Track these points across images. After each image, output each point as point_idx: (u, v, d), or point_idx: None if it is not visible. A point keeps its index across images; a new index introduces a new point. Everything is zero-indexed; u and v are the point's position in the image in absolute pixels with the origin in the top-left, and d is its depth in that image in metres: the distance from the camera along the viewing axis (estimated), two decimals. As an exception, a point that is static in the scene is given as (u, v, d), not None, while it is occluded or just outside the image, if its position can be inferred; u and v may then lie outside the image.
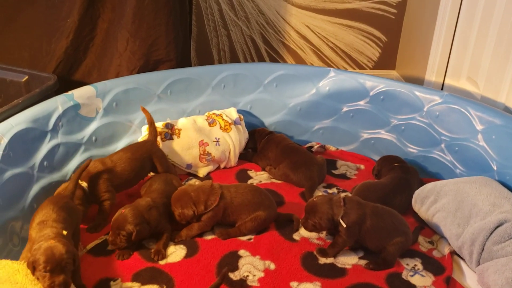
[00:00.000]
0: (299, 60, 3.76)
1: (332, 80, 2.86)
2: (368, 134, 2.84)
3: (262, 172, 2.65)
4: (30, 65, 2.91)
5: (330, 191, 2.49)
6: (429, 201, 2.22)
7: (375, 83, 2.78)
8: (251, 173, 2.65)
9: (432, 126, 2.60)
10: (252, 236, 2.11)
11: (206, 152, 2.59)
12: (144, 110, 2.45)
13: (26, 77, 2.70)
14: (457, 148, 2.49)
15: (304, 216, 2.03)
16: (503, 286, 1.75)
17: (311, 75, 2.88)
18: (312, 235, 2.13)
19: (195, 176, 2.60)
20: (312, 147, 2.85)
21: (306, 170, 2.48)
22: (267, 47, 3.71)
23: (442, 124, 2.56)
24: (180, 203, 2.07)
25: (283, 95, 2.90)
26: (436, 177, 2.58)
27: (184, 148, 2.56)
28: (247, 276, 1.89)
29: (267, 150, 2.67)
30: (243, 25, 3.61)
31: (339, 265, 1.98)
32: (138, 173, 2.29)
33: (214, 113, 2.73)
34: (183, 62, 3.12)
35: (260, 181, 2.54)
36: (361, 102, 2.82)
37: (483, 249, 1.94)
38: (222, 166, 2.69)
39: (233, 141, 2.67)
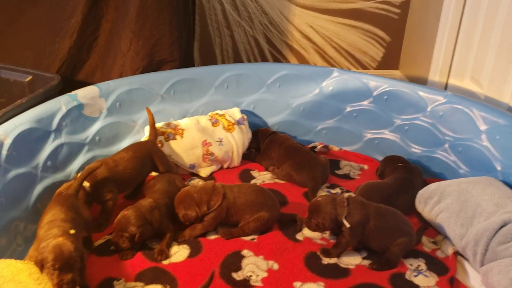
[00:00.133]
0: (302, 60, 3.76)
1: (335, 80, 2.85)
2: (371, 134, 2.83)
3: (265, 172, 2.65)
4: (33, 65, 2.92)
5: (333, 191, 2.49)
6: (432, 201, 2.22)
7: (379, 83, 2.77)
8: (254, 173, 2.65)
9: (435, 126, 2.59)
10: (256, 236, 2.11)
11: (209, 152, 2.59)
12: (148, 111, 2.45)
13: (30, 77, 2.71)
14: (460, 148, 2.48)
15: (308, 215, 2.03)
16: (507, 287, 1.74)
17: (315, 75, 2.88)
18: (316, 235, 2.13)
19: (198, 176, 2.60)
20: (315, 147, 2.84)
21: (309, 170, 2.47)
22: (270, 47, 3.70)
23: (445, 124, 2.56)
24: (183, 205, 2.07)
25: (286, 95, 2.89)
26: (439, 177, 2.58)
27: (187, 148, 2.56)
28: (251, 276, 1.89)
29: (270, 150, 2.67)
30: (246, 25, 3.61)
31: (343, 265, 1.98)
32: (140, 172, 2.30)
33: (217, 113, 2.73)
34: (186, 62, 3.13)
35: (263, 181, 2.54)
36: (365, 102, 2.81)
37: (487, 249, 1.93)
38: (225, 166, 2.69)
39: (236, 141, 2.67)
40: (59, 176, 2.29)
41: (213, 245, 2.04)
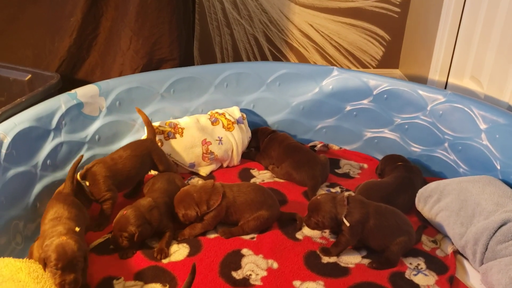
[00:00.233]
0: (302, 59, 3.76)
1: (335, 79, 2.85)
2: (371, 133, 2.83)
3: (265, 171, 2.65)
4: (33, 63, 2.91)
5: (333, 190, 2.49)
6: (432, 200, 2.22)
7: (379, 82, 2.77)
8: (254, 172, 2.65)
9: (435, 125, 2.59)
10: (255, 235, 2.11)
11: (209, 151, 2.59)
12: (139, 111, 2.45)
13: (29, 75, 2.71)
14: (460, 147, 2.48)
15: (307, 214, 2.03)
16: (507, 286, 1.74)
17: (314, 74, 2.88)
18: (315, 234, 2.13)
19: (198, 175, 2.60)
20: (315, 146, 2.84)
21: (309, 169, 2.47)
22: (270, 46, 3.70)
23: (445, 123, 2.56)
24: (183, 204, 2.07)
25: (286, 94, 2.89)
26: (439, 176, 2.58)
27: (187, 147, 2.56)
28: (250, 275, 1.89)
29: (270, 149, 2.67)
30: (246, 24, 3.61)
31: (342, 264, 1.98)
32: (139, 170, 2.29)
33: (217, 112, 2.73)
34: (186, 61, 3.12)
35: (263, 180, 2.54)
36: (365, 101, 2.81)
37: (486, 248, 1.93)
38: (225, 165, 2.69)
39: (236, 140, 2.66)
40: (58, 175, 2.28)
41: (212, 244, 2.04)
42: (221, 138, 2.64)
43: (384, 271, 1.94)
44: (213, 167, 2.64)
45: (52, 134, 2.28)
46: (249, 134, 2.77)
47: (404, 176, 2.38)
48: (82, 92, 2.44)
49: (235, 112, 2.76)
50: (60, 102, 2.34)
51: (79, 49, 2.93)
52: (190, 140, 2.57)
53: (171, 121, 2.62)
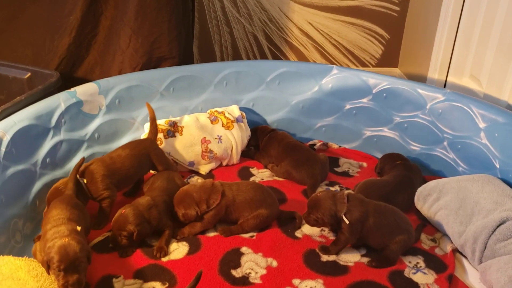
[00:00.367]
0: (302, 58, 3.76)
1: (334, 78, 2.85)
2: (370, 132, 2.83)
3: (264, 170, 2.65)
4: (33, 62, 2.91)
5: (332, 188, 2.49)
6: (431, 199, 2.22)
7: (378, 80, 2.77)
8: (253, 170, 2.65)
9: (434, 123, 2.59)
10: (255, 234, 2.11)
11: (208, 150, 2.59)
12: (149, 106, 2.44)
13: (29, 74, 2.71)
14: (459, 146, 2.49)
15: (307, 210, 2.03)
16: (505, 284, 1.75)
17: (314, 73, 2.88)
18: (315, 233, 2.13)
19: (197, 173, 2.60)
20: (314, 144, 2.84)
21: (308, 168, 2.48)
22: (270, 44, 3.70)
23: (444, 122, 2.56)
24: (183, 204, 2.07)
25: (286, 93, 2.89)
26: (438, 174, 2.58)
27: (186, 145, 2.56)
28: (250, 273, 1.89)
29: (269, 148, 2.67)
30: (245, 22, 3.61)
31: (342, 263, 1.98)
32: (137, 170, 2.28)
33: (216, 111, 2.73)
34: (186, 59, 3.12)
35: (262, 179, 2.54)
36: (364, 100, 2.81)
37: (485, 247, 1.94)
38: (224, 163, 2.69)
39: (235, 138, 2.67)
40: (58, 173, 2.29)
41: (212, 242, 2.04)
42: (221, 136, 2.64)
43: (383, 270, 1.95)
44: (212, 165, 2.64)
45: (51, 132, 2.28)
46: (249, 132, 2.78)
47: (403, 174, 2.38)
48: (82, 90, 2.44)
49: (234, 110, 2.76)
50: (60, 100, 2.34)
51: (78, 48, 2.93)
52: (190, 138, 2.57)
53: (171, 120, 2.61)
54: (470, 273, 1.99)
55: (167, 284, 1.83)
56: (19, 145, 2.10)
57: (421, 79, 3.31)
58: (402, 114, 2.72)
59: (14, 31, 2.92)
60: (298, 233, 2.13)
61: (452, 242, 2.12)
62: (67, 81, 2.72)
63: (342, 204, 1.97)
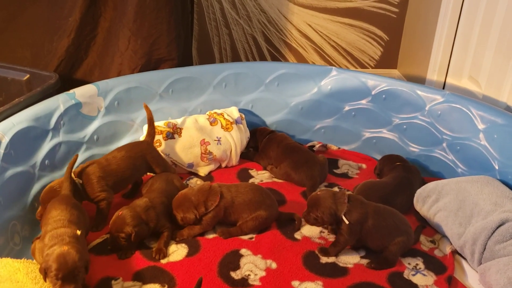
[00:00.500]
0: (301, 59, 3.76)
1: (334, 79, 2.85)
2: (370, 133, 2.83)
3: (264, 171, 2.65)
4: (32, 63, 2.91)
5: (331, 190, 2.49)
6: (430, 200, 2.22)
7: (377, 82, 2.77)
8: (253, 172, 2.65)
9: (433, 125, 2.59)
10: (254, 235, 2.11)
11: (207, 151, 2.59)
12: (146, 107, 2.44)
13: (28, 75, 2.70)
14: (458, 147, 2.49)
15: (307, 209, 2.02)
16: (505, 286, 1.75)
17: (313, 74, 2.88)
18: (314, 235, 2.13)
19: (197, 175, 2.60)
20: (313, 146, 2.84)
21: (307, 169, 2.47)
22: (269, 46, 3.70)
23: (443, 123, 2.56)
24: (181, 208, 2.07)
25: (285, 94, 2.89)
26: (437, 176, 2.58)
27: (185, 147, 2.56)
28: (249, 275, 1.89)
29: (268, 149, 2.67)
30: (244, 23, 3.61)
31: (341, 264, 1.98)
32: (133, 172, 2.27)
33: (215, 112, 2.73)
34: (185, 61, 3.12)
35: (262, 180, 2.54)
36: (363, 101, 2.81)
37: (484, 248, 1.93)
38: (223, 165, 2.69)
39: (234, 140, 2.66)
40: (57, 175, 2.28)
41: (211, 244, 2.04)
42: (220, 138, 2.64)
43: (382, 271, 1.94)
44: (211, 167, 2.64)
45: (50, 134, 2.28)
46: (248, 134, 2.77)
47: (402, 176, 2.38)
48: (81, 92, 2.44)
49: (233, 112, 2.76)
50: (59, 102, 2.34)
51: (77, 49, 2.92)
52: (189, 140, 2.57)
53: (170, 121, 2.61)
54: (470, 275, 1.99)
55: (166, 286, 1.82)
56: (18, 147, 2.10)
57: (420, 80, 3.32)
58: (401, 115, 2.72)
59: (13, 32, 2.92)
60: (297, 235, 2.13)
61: (451, 244, 2.11)
62: (66, 83, 2.72)
63: (343, 204, 1.96)
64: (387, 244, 1.99)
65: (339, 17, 3.64)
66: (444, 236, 2.18)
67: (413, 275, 1.94)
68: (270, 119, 2.92)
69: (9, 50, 2.95)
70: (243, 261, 1.96)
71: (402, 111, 2.72)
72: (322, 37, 3.71)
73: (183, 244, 2.04)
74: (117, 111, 2.58)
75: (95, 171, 2.13)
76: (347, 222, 1.95)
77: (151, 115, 2.42)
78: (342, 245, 2.00)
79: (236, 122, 2.72)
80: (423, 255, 2.06)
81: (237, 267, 1.93)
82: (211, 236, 2.10)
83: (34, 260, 1.81)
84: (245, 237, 2.09)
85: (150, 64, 2.91)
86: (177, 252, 2.00)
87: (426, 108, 2.62)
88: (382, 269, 1.96)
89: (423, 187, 2.30)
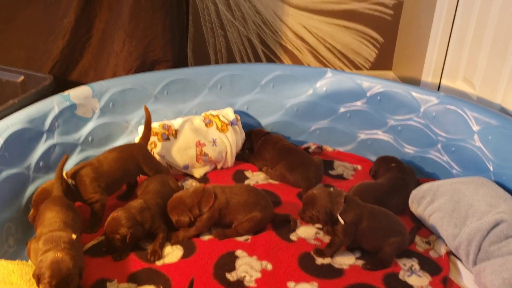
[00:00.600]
0: (296, 61, 3.76)
1: (329, 81, 2.86)
2: (365, 135, 2.84)
3: (259, 173, 2.65)
4: (26, 65, 2.90)
5: (327, 191, 2.49)
6: (425, 202, 2.23)
7: (372, 83, 2.78)
8: (248, 173, 2.64)
9: (428, 126, 2.60)
10: (249, 237, 2.10)
11: (203, 153, 2.59)
12: (146, 110, 2.41)
13: (22, 77, 2.70)
14: (453, 149, 2.49)
15: (302, 207, 2.02)
16: (500, 286, 1.75)
17: (308, 76, 2.88)
18: (309, 236, 2.13)
19: (192, 176, 2.60)
20: (309, 147, 2.85)
21: (302, 171, 2.48)
22: (264, 48, 3.71)
23: (438, 125, 2.57)
24: (176, 211, 2.07)
25: (280, 96, 2.89)
26: (432, 177, 2.59)
27: (181, 148, 2.55)
28: (244, 276, 1.89)
29: (263, 151, 2.67)
30: (240, 25, 3.61)
31: (336, 266, 1.98)
32: (124, 173, 2.25)
33: (210, 114, 2.73)
34: (180, 62, 3.12)
35: (257, 182, 2.54)
36: (358, 103, 2.82)
37: (479, 249, 1.94)
38: (219, 166, 2.69)
39: (230, 141, 2.66)
40: (51, 176, 2.26)
41: (206, 245, 2.03)
42: (215, 139, 2.64)
43: (378, 272, 1.95)
44: (207, 168, 2.64)
45: (45, 136, 2.27)
46: (243, 135, 2.77)
47: (397, 177, 2.38)
48: (75, 94, 2.43)
49: (229, 113, 2.76)
50: (53, 104, 2.33)
51: (72, 51, 2.92)
52: (184, 141, 2.57)
53: (165, 123, 2.61)
54: (465, 276, 2.00)
55: (161, 287, 1.82)
56: (12, 149, 2.09)
57: (415, 82, 3.33)
58: (396, 117, 2.73)
59: (7, 34, 2.91)
60: (293, 236, 2.13)
61: (446, 245, 2.12)
62: (61, 85, 2.71)
63: (339, 204, 1.96)
64: (382, 245, 1.99)
65: (334, 19, 3.65)
66: (439, 237, 2.18)
67: (409, 276, 1.95)
68: (266, 120, 2.92)
69: (3, 51, 2.94)
70: (238, 262, 1.95)
71: (397, 113, 2.73)
72: (317, 39, 3.72)
73: (179, 246, 2.03)
74: (112, 112, 2.57)
75: (88, 173, 2.12)
76: (342, 222, 1.95)
77: (150, 118, 2.41)
78: (337, 246, 2.00)
79: (232, 123, 2.72)
80: (418, 256, 2.06)
81: (232, 268, 1.92)
82: (206, 237, 2.09)
83: (29, 262, 1.80)
84: (241, 239, 2.09)
85: (145, 65, 2.90)
86: (173, 253, 1.99)
87: (421, 110, 2.63)
88: (378, 270, 1.96)
89: (418, 188, 2.31)
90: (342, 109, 2.85)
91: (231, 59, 3.71)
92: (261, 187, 2.40)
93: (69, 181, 2.08)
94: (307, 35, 3.69)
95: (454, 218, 2.08)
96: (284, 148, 2.61)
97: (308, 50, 3.75)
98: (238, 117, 2.78)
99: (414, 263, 2.02)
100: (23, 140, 2.16)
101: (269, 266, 1.95)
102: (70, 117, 2.40)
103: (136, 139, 2.55)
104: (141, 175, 2.38)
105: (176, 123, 2.63)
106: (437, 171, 2.57)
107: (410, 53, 3.54)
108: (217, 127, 2.67)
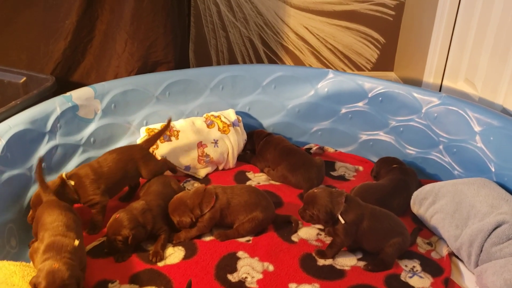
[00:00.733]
0: (298, 62, 3.76)
1: (330, 82, 2.86)
2: (366, 136, 2.84)
3: (261, 174, 2.65)
4: (28, 66, 2.91)
5: (328, 192, 2.49)
6: (427, 203, 2.22)
7: (374, 84, 2.78)
8: (250, 174, 2.65)
9: (430, 127, 2.60)
10: (251, 238, 2.10)
11: (204, 154, 2.59)
12: (169, 123, 2.42)
13: (24, 78, 2.70)
14: (455, 150, 2.49)
15: (303, 206, 2.02)
16: (501, 288, 1.75)
17: (310, 77, 2.88)
18: (311, 237, 2.13)
19: (194, 177, 2.60)
20: (310, 148, 2.85)
21: (304, 172, 2.48)
22: (266, 49, 3.71)
23: (440, 126, 2.57)
24: (177, 212, 2.07)
25: (282, 97, 2.90)
26: (434, 178, 2.59)
27: (182, 149, 2.56)
28: (246, 277, 1.89)
29: (265, 152, 2.67)
30: (241, 26, 3.61)
31: (338, 267, 1.98)
32: (124, 175, 2.23)
33: (212, 115, 2.73)
34: (181, 63, 3.12)
35: (259, 183, 2.54)
36: (360, 104, 2.82)
37: (481, 250, 1.94)
38: (220, 167, 2.69)
39: (231, 142, 2.66)
40: (53, 177, 2.26)
41: (208, 246, 2.04)
42: (217, 140, 2.64)
43: (379, 274, 1.94)
44: (208, 169, 2.64)
45: (47, 137, 2.28)
46: (245, 136, 2.77)
47: (399, 178, 2.38)
48: (77, 95, 2.44)
49: (230, 114, 2.76)
50: (55, 105, 2.34)
51: (74, 52, 2.92)
52: (186, 142, 2.57)
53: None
54: (466, 277, 2.00)
55: (163, 289, 1.82)
56: (14, 150, 2.10)
57: (416, 83, 3.32)
58: (397, 118, 2.73)
59: (9, 35, 2.91)
60: (294, 237, 2.13)
61: (448, 246, 2.12)
62: (63, 86, 2.72)
63: (340, 204, 1.96)
64: (383, 246, 1.99)
65: (336, 19, 3.65)
66: (441, 238, 2.18)
67: (410, 277, 1.95)
68: (267, 121, 2.92)
69: (5, 53, 2.95)
70: (240, 263, 1.96)
71: (398, 114, 2.73)
72: (319, 40, 3.72)
73: (180, 247, 2.03)
74: (114, 113, 2.57)
75: (88, 174, 2.12)
76: (343, 221, 1.94)
77: (166, 129, 2.41)
78: (338, 246, 2.00)
79: (233, 124, 2.72)
80: (420, 257, 2.06)
81: (234, 269, 1.92)
82: (208, 238, 2.09)
83: (31, 263, 1.80)
84: (242, 240, 2.09)
85: (147, 66, 2.91)
86: (174, 255, 1.99)
87: (423, 111, 2.63)
88: (379, 271, 1.96)
89: (420, 189, 2.31)
90: (343, 110, 2.85)
91: (232, 60, 3.71)
92: (263, 188, 2.40)
93: (69, 182, 2.08)
94: (308, 36, 3.69)
95: (455, 219, 2.08)
96: (286, 149, 2.61)
97: (310, 51, 3.75)
98: (240, 118, 2.78)
99: (416, 264, 2.02)
100: (25, 141, 2.17)
101: (271, 267, 1.95)
102: (72, 118, 2.41)
103: (138, 140, 2.56)
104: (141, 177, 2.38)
105: (177, 124, 2.63)
106: (439, 172, 2.57)
107: (411, 54, 3.54)
108: (219, 128, 2.67)
